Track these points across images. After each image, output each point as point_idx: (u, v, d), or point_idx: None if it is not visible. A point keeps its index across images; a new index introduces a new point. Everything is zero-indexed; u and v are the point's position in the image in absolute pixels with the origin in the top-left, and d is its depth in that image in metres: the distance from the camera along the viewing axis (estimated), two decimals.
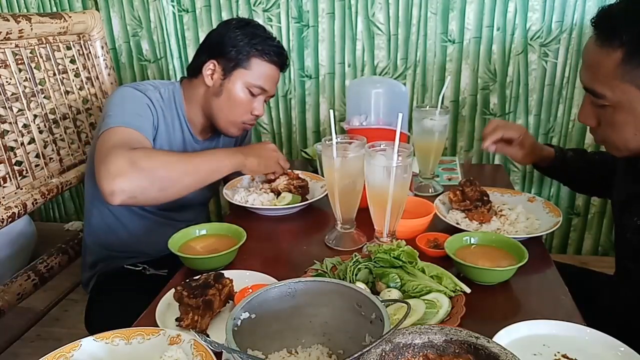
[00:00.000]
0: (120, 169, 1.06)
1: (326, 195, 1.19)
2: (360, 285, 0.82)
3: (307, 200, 1.29)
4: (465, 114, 1.97)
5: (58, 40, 1.60)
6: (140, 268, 1.38)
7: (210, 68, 1.31)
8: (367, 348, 0.53)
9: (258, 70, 1.30)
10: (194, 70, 1.35)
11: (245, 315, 0.66)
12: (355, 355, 0.53)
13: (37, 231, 2.00)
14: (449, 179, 1.50)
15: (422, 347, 0.55)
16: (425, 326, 0.56)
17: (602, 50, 0.88)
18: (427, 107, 1.37)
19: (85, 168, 1.48)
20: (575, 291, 0.91)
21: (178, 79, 2.07)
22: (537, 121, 1.93)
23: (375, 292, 0.85)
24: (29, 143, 1.43)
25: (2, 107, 1.35)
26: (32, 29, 1.44)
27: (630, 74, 0.85)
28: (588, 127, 1.03)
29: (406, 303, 0.62)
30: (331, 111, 1.05)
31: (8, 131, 1.36)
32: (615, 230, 1.15)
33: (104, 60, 1.80)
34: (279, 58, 1.33)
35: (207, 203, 1.65)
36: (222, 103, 1.32)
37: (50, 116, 1.53)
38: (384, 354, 0.53)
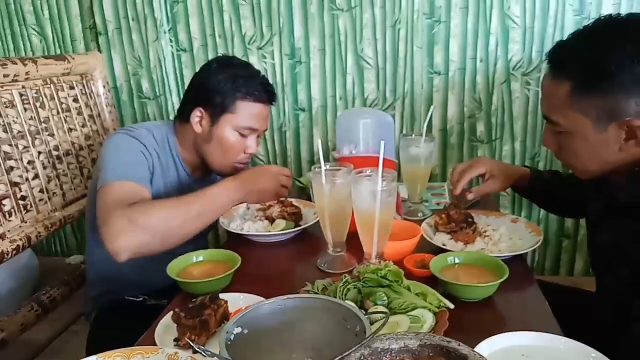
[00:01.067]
0: (120, 228, 1.08)
1: (318, 220, 1.24)
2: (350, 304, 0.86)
3: (300, 226, 1.34)
4: (453, 141, 2.04)
5: (62, 81, 1.68)
6: (141, 299, 1.41)
7: (197, 115, 1.32)
8: (347, 352, 0.58)
9: (245, 112, 1.31)
10: (182, 115, 1.37)
11: (238, 330, 0.70)
12: (336, 359, 0.57)
13: (39, 265, 2.04)
14: (438, 204, 1.55)
15: (398, 352, 0.59)
16: (401, 332, 0.61)
17: (553, 82, 0.96)
18: (413, 135, 1.44)
19: (87, 207, 1.53)
20: (563, 309, 0.95)
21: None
22: (522, 147, 2.00)
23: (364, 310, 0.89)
24: (34, 178, 1.49)
25: (9, 145, 1.42)
26: (37, 70, 1.53)
27: (578, 104, 0.93)
28: None
29: (384, 313, 0.67)
30: (319, 140, 1.12)
31: (13, 167, 1.43)
32: (589, 248, 1.19)
33: (105, 98, 1.88)
34: (266, 94, 1.33)
35: (206, 234, 1.69)
36: (213, 148, 1.34)
37: (54, 152, 1.59)
38: (362, 358, 0.58)
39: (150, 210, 1.13)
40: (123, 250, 1.09)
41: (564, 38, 1.79)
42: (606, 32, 0.92)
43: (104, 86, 1.87)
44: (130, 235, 1.09)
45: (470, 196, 1.34)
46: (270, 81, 1.41)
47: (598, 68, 0.90)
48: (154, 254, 1.17)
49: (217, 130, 1.32)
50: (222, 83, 1.30)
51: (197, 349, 0.69)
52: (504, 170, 1.36)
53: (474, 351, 0.55)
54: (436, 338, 0.59)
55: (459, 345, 0.57)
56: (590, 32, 0.94)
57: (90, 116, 1.80)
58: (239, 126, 1.31)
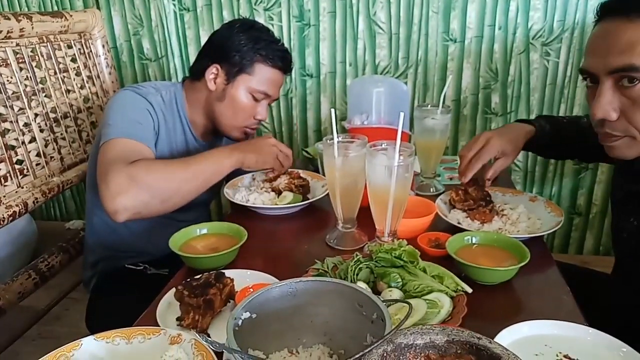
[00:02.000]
0: (120, 186, 1.05)
1: (327, 194, 1.19)
2: (362, 285, 0.82)
3: (308, 199, 1.29)
4: (466, 113, 1.97)
5: (59, 39, 1.60)
6: (142, 267, 1.38)
7: (213, 72, 1.30)
8: (369, 348, 0.53)
9: (262, 75, 1.29)
10: (196, 73, 1.34)
11: (246, 315, 0.66)
12: (357, 356, 0.52)
13: (38, 230, 2.01)
14: (450, 179, 1.49)
15: (423, 348, 0.54)
16: (426, 326, 0.56)
17: (630, 23, 0.84)
18: (429, 106, 1.36)
19: (87, 168, 1.48)
20: (576, 291, 0.91)
21: (179, 77, 2.09)
22: None
23: (377, 292, 0.85)
24: (30, 142, 1.43)
25: (3, 106, 1.35)
26: (33, 27, 1.44)
27: None
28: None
29: (408, 303, 0.62)
30: (332, 110, 1.04)
31: (9, 130, 1.36)
32: (613, 230, 1.14)
33: (105, 59, 1.80)
34: (283, 62, 1.32)
35: (209, 203, 1.65)
36: (225, 108, 1.31)
37: (51, 115, 1.53)
38: (385, 355, 0.53)
39: (152, 168, 1.11)
40: (122, 209, 1.06)
41: (588, 6, 1.74)
42: None
43: (103, 46, 1.78)
44: (130, 194, 1.06)
45: (488, 183, 1.24)
46: None
47: None
48: (152, 216, 1.14)
49: (231, 89, 1.30)
50: (243, 42, 1.28)
51: (202, 342, 0.65)
52: (512, 142, 1.23)
53: (508, 350, 0.50)
54: (465, 334, 0.54)
55: (490, 342, 0.52)
56: None
57: (89, 77, 1.72)
58: (254, 89, 1.30)
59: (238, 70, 1.28)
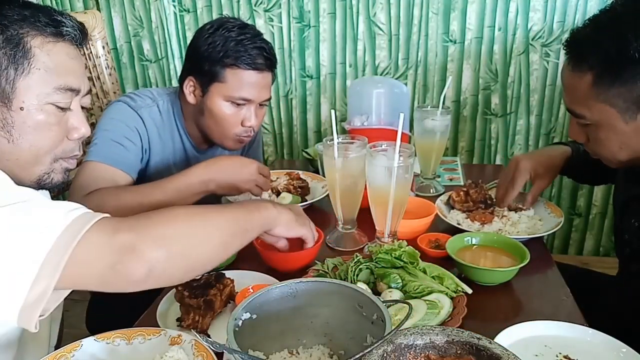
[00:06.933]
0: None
1: (327, 195, 1.19)
2: (362, 286, 0.82)
3: (306, 200, 1.29)
4: (466, 114, 1.97)
5: None
6: None
7: (190, 85, 1.22)
8: (369, 349, 0.53)
9: (235, 80, 1.17)
10: (181, 85, 1.27)
11: (247, 315, 0.66)
12: (357, 356, 0.52)
13: None
14: (450, 179, 1.49)
15: (423, 348, 0.55)
16: (426, 327, 0.56)
17: (574, 74, 0.90)
18: (429, 107, 1.37)
19: None
20: (577, 292, 0.92)
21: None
22: (538, 121, 1.93)
23: (377, 293, 0.85)
24: None
25: None
26: None
27: (603, 95, 0.87)
28: None
29: (408, 304, 0.62)
30: (332, 111, 1.05)
31: None
32: (615, 231, 1.14)
33: (105, 60, 1.80)
34: (259, 60, 1.17)
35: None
36: (207, 121, 1.23)
37: None
38: (385, 355, 0.53)
39: (105, 198, 1.07)
40: None
41: (587, 7, 1.75)
42: (625, 16, 0.85)
43: (103, 47, 1.78)
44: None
45: (527, 205, 1.19)
46: (277, 46, 1.31)
47: (620, 56, 0.83)
48: None
49: (208, 101, 1.20)
50: (210, 48, 1.16)
51: (203, 343, 0.65)
52: (546, 164, 1.19)
53: (508, 351, 0.50)
54: (465, 334, 0.54)
55: (490, 343, 0.52)
56: (608, 18, 0.87)
57: (90, 79, 1.72)
58: (230, 96, 1.18)
59: (210, 80, 1.18)
